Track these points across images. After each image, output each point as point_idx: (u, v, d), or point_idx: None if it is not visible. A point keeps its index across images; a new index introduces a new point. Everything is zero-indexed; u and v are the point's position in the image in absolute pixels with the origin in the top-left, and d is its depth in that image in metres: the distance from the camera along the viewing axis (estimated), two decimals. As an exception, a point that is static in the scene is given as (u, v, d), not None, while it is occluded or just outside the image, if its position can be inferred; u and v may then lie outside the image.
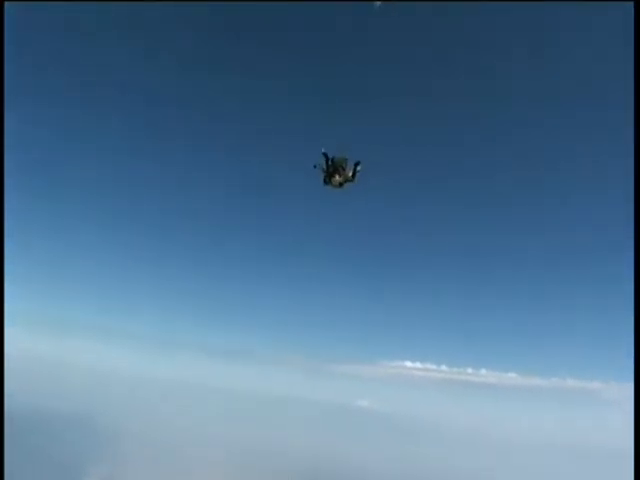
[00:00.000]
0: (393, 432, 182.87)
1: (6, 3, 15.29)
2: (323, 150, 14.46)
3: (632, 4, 19.89)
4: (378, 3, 14.65)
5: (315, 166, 14.09)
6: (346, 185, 14.48)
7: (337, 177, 13.98)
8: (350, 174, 14.40)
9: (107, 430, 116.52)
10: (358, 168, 14.55)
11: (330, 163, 14.32)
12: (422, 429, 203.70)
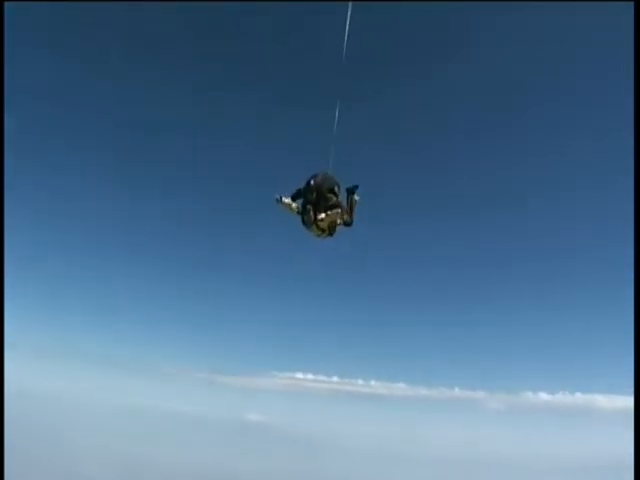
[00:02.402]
0: (286, 446, 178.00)
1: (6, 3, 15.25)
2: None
3: (632, 4, 19.50)
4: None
5: (278, 200, 9.18)
6: (338, 229, 9.59)
7: (323, 215, 9.00)
8: (344, 211, 9.49)
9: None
10: (356, 197, 9.82)
11: (307, 191, 9.25)
12: (316, 442, 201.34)
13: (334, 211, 9.01)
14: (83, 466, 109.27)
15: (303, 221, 9.09)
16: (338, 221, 9.37)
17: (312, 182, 9.11)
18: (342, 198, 9.67)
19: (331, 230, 9.36)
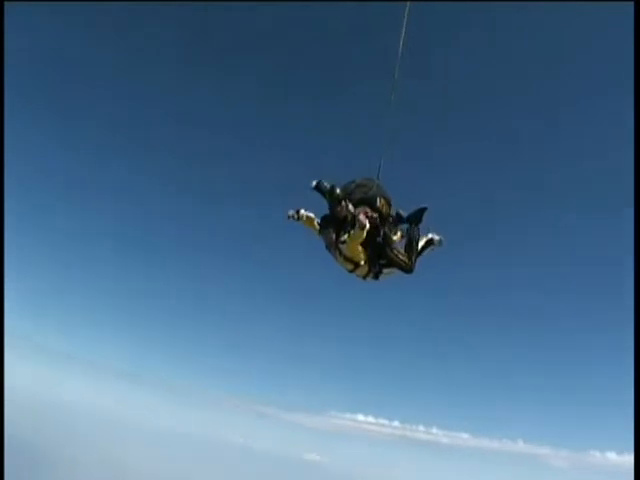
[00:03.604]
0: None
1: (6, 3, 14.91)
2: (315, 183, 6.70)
3: (632, 4, 18.37)
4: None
5: (291, 217, 6.87)
6: (387, 274, 6.74)
7: (345, 237, 6.40)
8: (393, 246, 6.63)
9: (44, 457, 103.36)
10: (435, 237, 7.13)
11: (332, 194, 6.52)
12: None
13: (359, 232, 6.11)
14: None
15: (325, 245, 6.69)
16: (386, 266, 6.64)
17: (338, 190, 6.54)
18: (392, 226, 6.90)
19: (372, 269, 6.60)
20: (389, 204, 6.70)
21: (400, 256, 6.53)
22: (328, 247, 6.56)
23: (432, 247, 7.00)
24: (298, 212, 6.82)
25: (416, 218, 6.75)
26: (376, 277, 6.65)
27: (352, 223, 6.23)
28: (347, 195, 6.45)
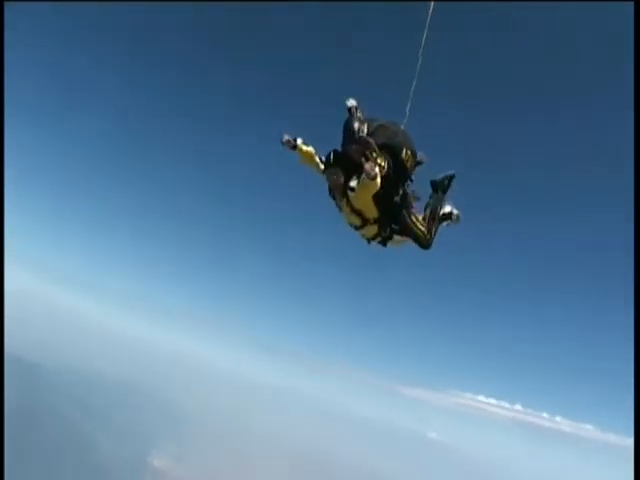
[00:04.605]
0: (461, 469, 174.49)
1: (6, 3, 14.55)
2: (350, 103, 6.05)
3: (632, 4, 17.46)
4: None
5: (283, 143, 5.85)
6: (397, 243, 5.86)
7: (354, 182, 5.24)
8: (413, 208, 5.83)
9: (177, 410, 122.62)
10: (455, 211, 6.09)
11: (348, 133, 5.67)
12: (490, 471, 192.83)
13: (372, 179, 4.93)
14: (257, 451, 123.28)
15: (329, 188, 5.58)
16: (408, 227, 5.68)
17: (356, 125, 5.62)
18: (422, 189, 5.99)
19: (382, 232, 5.62)
20: (414, 158, 5.63)
21: (419, 225, 5.67)
22: (332, 191, 5.50)
23: (448, 222, 5.97)
24: (295, 140, 5.85)
25: (443, 185, 5.91)
26: (384, 242, 5.70)
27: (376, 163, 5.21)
28: (369, 134, 5.49)
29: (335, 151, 5.46)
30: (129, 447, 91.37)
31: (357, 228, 5.61)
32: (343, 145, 5.57)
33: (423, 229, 5.67)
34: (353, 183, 5.13)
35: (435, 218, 5.79)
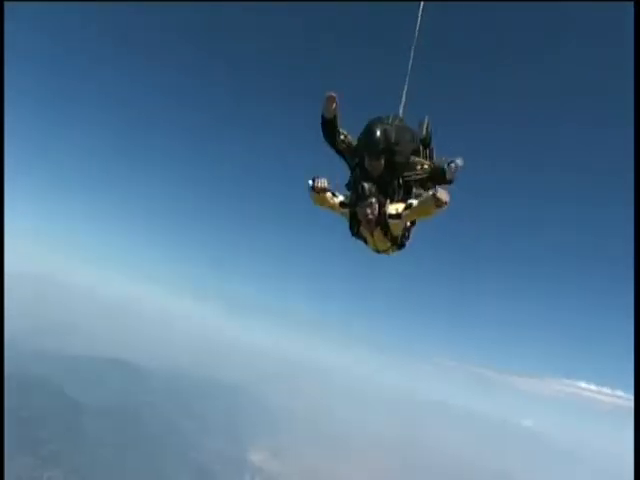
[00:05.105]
0: (553, 460, 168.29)
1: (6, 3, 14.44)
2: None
3: (632, 4, 16.62)
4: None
5: (311, 187, 4.69)
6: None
7: (401, 206, 4.40)
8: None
9: (275, 408, 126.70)
10: (459, 163, 4.72)
11: (367, 148, 4.57)
12: (586, 460, 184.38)
13: (424, 195, 4.27)
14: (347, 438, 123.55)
15: (351, 226, 4.71)
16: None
17: (378, 133, 4.51)
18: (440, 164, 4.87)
19: (403, 237, 4.69)
20: (423, 140, 5.14)
21: (425, 166, 4.80)
22: (363, 227, 4.55)
23: (454, 163, 4.78)
24: (325, 186, 4.63)
25: (427, 137, 5.21)
26: (402, 244, 4.73)
27: (404, 185, 4.51)
28: (389, 146, 4.52)
29: (354, 180, 4.57)
30: (230, 445, 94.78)
31: (383, 251, 4.84)
32: (360, 164, 4.64)
33: (430, 167, 4.77)
34: (398, 209, 4.34)
35: (433, 157, 5.15)
